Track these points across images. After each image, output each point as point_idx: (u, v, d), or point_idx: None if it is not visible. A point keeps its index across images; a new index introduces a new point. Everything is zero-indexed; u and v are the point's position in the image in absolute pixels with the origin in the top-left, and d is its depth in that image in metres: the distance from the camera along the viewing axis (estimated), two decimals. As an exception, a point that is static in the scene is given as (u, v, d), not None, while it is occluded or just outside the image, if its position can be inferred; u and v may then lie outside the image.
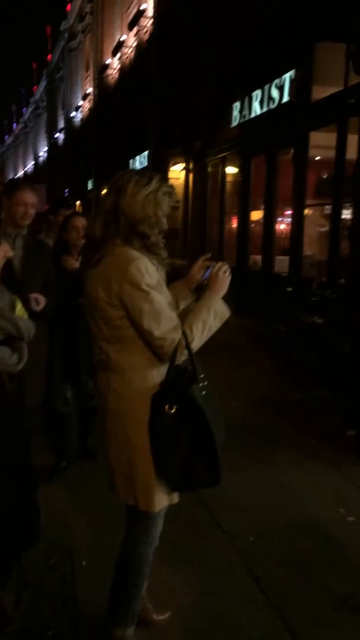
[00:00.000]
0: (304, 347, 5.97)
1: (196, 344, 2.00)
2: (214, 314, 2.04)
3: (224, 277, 2.13)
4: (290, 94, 8.22)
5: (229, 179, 11.74)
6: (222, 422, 2.07)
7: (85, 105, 25.68)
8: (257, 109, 9.36)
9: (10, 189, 3.03)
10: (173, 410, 1.94)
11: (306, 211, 8.59)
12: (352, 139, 6.97)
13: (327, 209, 8.18)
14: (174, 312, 2.03)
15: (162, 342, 1.94)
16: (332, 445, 4.44)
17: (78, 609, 2.51)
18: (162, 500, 2.08)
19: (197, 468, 2.00)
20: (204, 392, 1.99)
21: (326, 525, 3.29)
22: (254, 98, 9.41)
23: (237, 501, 3.49)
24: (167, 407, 1.94)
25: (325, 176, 8.75)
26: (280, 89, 8.48)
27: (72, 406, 3.77)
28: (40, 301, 2.89)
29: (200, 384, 1.99)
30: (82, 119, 26.73)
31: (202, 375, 2.01)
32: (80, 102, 26.64)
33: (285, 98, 8.35)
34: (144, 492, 2.05)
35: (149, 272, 1.94)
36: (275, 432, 4.71)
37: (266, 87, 8.91)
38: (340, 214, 7.48)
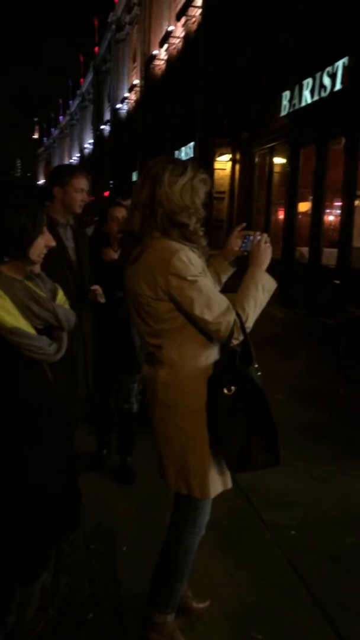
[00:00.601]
0: (352, 341, 5.83)
1: (250, 322, 1.99)
2: (262, 289, 2.01)
3: (265, 248, 2.09)
4: (342, 82, 7.99)
5: (276, 169, 11.55)
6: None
7: (132, 97, 25.77)
8: (307, 98, 9.15)
9: (66, 175, 2.91)
10: (232, 392, 1.93)
11: (356, 202, 8.36)
12: None
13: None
14: (221, 294, 2.01)
15: (218, 326, 1.93)
16: (379, 441, 4.32)
17: (118, 593, 2.52)
18: (217, 485, 2.07)
19: (257, 448, 1.99)
20: (259, 373, 1.99)
21: (371, 522, 3.20)
22: (304, 86, 9.19)
23: (280, 494, 3.44)
24: (225, 388, 1.93)
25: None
26: (333, 76, 8.25)
27: (111, 400, 3.70)
28: (101, 293, 2.90)
29: (256, 365, 1.99)
30: (128, 111, 26.85)
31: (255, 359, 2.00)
32: (127, 94, 26.75)
33: (338, 86, 8.12)
34: (198, 478, 2.04)
35: (192, 261, 1.92)
36: (321, 426, 4.62)
37: (318, 75, 8.69)
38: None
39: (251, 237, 2.16)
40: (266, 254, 2.10)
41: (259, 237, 2.14)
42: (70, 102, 51.05)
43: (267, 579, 2.66)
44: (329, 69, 8.32)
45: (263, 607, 2.47)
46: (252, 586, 2.61)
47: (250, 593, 2.56)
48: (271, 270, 2.10)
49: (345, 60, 7.87)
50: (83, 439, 3.58)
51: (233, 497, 3.26)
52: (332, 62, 8.18)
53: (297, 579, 2.67)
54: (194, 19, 15.50)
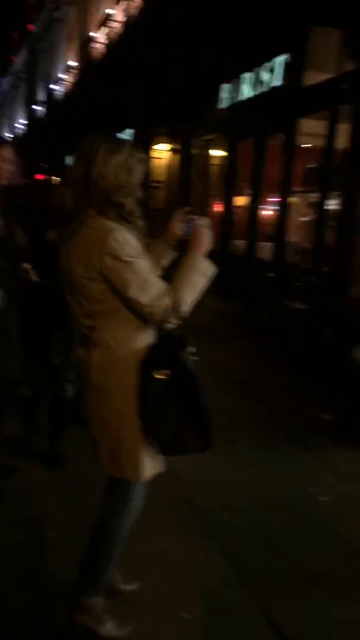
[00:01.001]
0: (286, 333, 5.97)
1: (187, 307, 1.95)
2: (200, 274, 1.99)
3: (205, 233, 2.07)
4: (281, 78, 8.13)
5: (214, 162, 11.62)
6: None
7: (68, 78, 25.14)
8: (246, 92, 9.25)
9: None
10: (163, 375, 1.91)
11: (292, 199, 8.54)
12: (342, 128, 6.93)
13: (313, 197, 8.15)
14: (159, 277, 1.97)
15: (152, 309, 1.89)
16: (308, 429, 4.44)
17: (45, 578, 2.46)
18: (149, 469, 2.05)
19: (188, 433, 1.97)
20: (194, 358, 1.96)
21: (299, 504, 3.29)
22: (244, 80, 9.28)
23: (211, 479, 3.47)
24: (157, 371, 1.91)
25: (313, 165, 8.71)
26: (272, 72, 8.37)
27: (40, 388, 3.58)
28: (33, 272, 2.78)
29: (190, 350, 1.96)
30: (64, 93, 26.19)
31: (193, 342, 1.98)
32: (63, 75, 26.05)
33: (276, 82, 8.25)
34: (130, 462, 2.01)
35: (128, 242, 1.87)
36: (253, 414, 4.70)
37: (257, 70, 8.79)
38: (326, 203, 7.45)
39: (193, 222, 2.14)
40: (206, 239, 2.07)
41: (200, 222, 2.11)
42: (1, 79, 48.88)
43: (197, 561, 2.68)
44: (268, 64, 8.43)
45: (192, 588, 2.48)
46: (181, 568, 2.61)
47: (179, 575, 2.56)
48: (209, 258, 2.08)
49: (284, 56, 8.00)
50: (11, 424, 3.46)
51: (165, 481, 3.26)
52: (271, 58, 8.29)
53: (227, 560, 2.70)
54: (135, 4, 15.28)
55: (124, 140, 2.02)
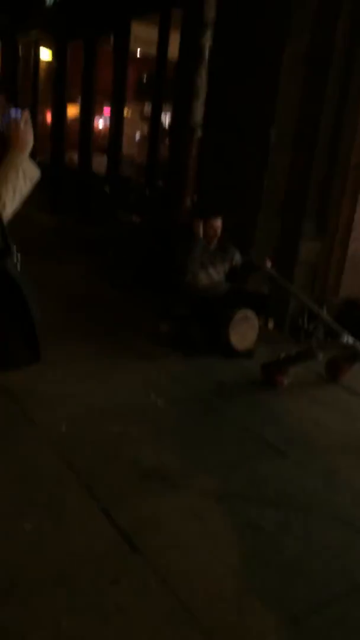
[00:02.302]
0: (120, 246, 5.94)
1: (8, 212, 1.79)
2: (23, 175, 1.82)
3: (26, 129, 1.88)
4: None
5: (43, 65, 10.73)
6: (36, 302, 1.93)
7: None
8: (74, -14, 8.50)
9: None
10: None
11: (125, 111, 8.26)
12: (174, 37, 6.71)
13: (147, 109, 7.95)
14: None
15: None
16: (145, 340, 4.56)
17: None
18: None
19: (14, 344, 1.86)
20: (18, 268, 1.82)
21: (137, 410, 3.41)
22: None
23: (49, 394, 3.43)
24: None
25: (146, 75, 8.43)
26: (101, -35, 7.75)
27: None
28: None
29: (15, 259, 1.82)
30: None
31: (16, 251, 1.82)
32: None
33: (106, -23, 7.68)
34: None
35: None
36: (90, 328, 4.68)
37: None
38: (159, 115, 7.32)
39: (12, 115, 1.92)
40: (28, 136, 1.88)
41: (19, 115, 1.90)
42: None
43: (38, 475, 2.68)
44: None
45: (33, 499, 2.49)
46: (22, 482, 2.59)
47: (20, 488, 2.54)
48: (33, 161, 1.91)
49: None
50: None
51: (0, 398, 3.18)
52: None
53: (67, 470, 2.74)
54: None
55: None
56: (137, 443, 3.04)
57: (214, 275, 4.56)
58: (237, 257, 4.67)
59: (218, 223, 4.52)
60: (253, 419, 3.45)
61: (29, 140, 1.88)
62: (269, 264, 4.38)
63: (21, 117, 1.89)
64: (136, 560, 2.21)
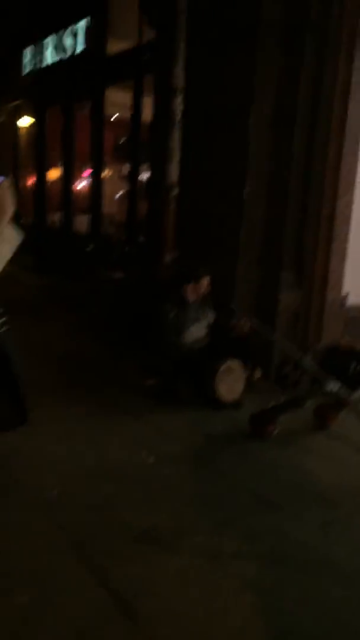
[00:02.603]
0: (105, 302, 6.01)
1: None
2: (4, 241, 1.88)
3: (6, 197, 1.95)
4: (84, 43, 7.96)
5: (23, 131, 11.09)
6: (22, 363, 1.96)
7: None
8: (50, 57, 8.91)
9: None
10: None
11: (105, 171, 8.52)
12: (147, 101, 7.02)
13: (125, 169, 8.21)
14: None
15: None
16: (132, 396, 4.57)
17: None
18: None
19: (1, 408, 1.88)
20: (3, 329, 1.87)
21: (128, 469, 3.39)
22: (47, 45, 8.92)
23: (37, 457, 3.40)
24: None
25: (123, 137, 8.75)
26: (75, 37, 8.16)
27: None
28: None
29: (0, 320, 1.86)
30: None
31: (1, 310, 1.87)
32: None
33: (80, 47, 8.07)
34: None
35: None
36: (76, 386, 4.68)
37: (60, 34, 8.50)
38: (137, 175, 7.57)
39: None
40: (8, 203, 1.96)
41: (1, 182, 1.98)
42: None
43: (29, 542, 2.63)
44: (70, 28, 8.20)
45: (26, 567, 2.44)
46: (13, 550, 2.54)
47: (11, 557, 2.49)
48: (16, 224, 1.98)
49: (85, 20, 7.84)
50: None
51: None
52: (74, 22, 8.07)
53: (59, 535, 2.69)
54: None
55: None
56: (129, 503, 3.00)
57: (197, 332, 4.61)
58: (210, 317, 4.73)
59: (206, 282, 4.60)
60: (245, 472, 3.44)
61: (9, 207, 1.95)
62: (247, 325, 4.43)
63: (2, 184, 1.97)
64: (131, 629, 2.16)
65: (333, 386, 3.84)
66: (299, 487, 3.30)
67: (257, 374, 5.09)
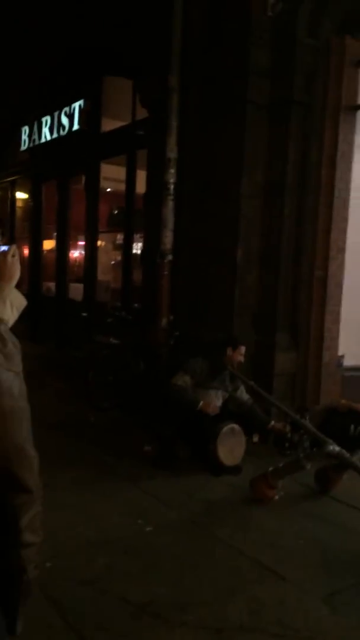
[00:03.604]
0: (100, 369, 5.97)
1: None
2: (10, 305, 1.87)
3: (13, 262, 1.97)
4: (79, 123, 8.35)
5: (19, 204, 11.42)
6: None
7: None
8: (47, 135, 9.31)
9: None
10: None
11: (99, 241, 8.72)
12: (140, 173, 7.31)
13: (119, 238, 8.41)
14: None
15: None
16: (129, 462, 4.46)
17: None
18: None
19: None
20: None
21: (125, 538, 3.25)
22: (43, 124, 9.35)
23: (31, 527, 3.25)
24: None
25: (116, 208, 9.01)
26: (70, 117, 8.56)
27: None
28: None
29: None
30: None
31: None
32: None
33: (75, 126, 8.46)
34: None
35: None
36: (72, 454, 4.56)
37: (56, 114, 8.93)
38: (131, 243, 7.75)
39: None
40: (14, 268, 1.97)
41: (5, 249, 2.01)
42: None
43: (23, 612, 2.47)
44: (66, 109, 8.63)
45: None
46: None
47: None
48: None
49: (81, 102, 8.26)
50: None
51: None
52: (69, 103, 8.50)
53: (52, 609, 2.54)
54: None
55: None
56: (127, 576, 2.86)
57: (213, 397, 4.55)
58: (241, 390, 4.68)
59: (242, 350, 4.59)
60: (247, 541, 3.30)
61: (16, 273, 1.96)
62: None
63: (9, 251, 1.99)
64: None
65: (333, 448, 3.77)
66: (303, 555, 3.17)
67: (255, 437, 5.00)
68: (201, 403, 4.28)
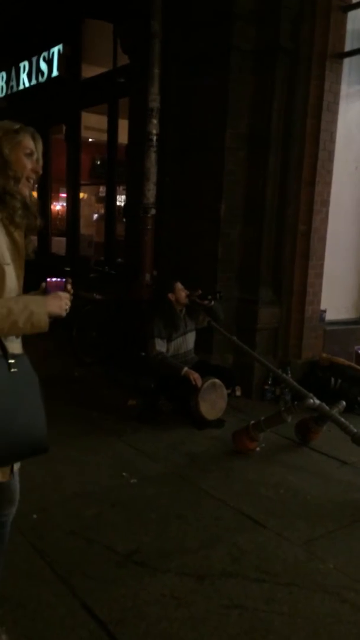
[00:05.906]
0: (84, 324, 5.96)
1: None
2: (28, 315, 1.81)
3: (62, 297, 1.91)
4: (59, 69, 8.02)
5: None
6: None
7: None
8: (25, 81, 8.95)
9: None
10: None
11: (82, 193, 8.54)
12: (123, 123, 7.09)
13: (102, 191, 8.24)
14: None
15: None
16: (114, 416, 4.52)
17: None
18: None
19: None
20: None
21: (110, 491, 3.33)
22: (21, 69, 8.97)
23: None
24: None
25: (99, 159, 8.79)
26: (49, 63, 8.21)
27: None
28: None
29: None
30: None
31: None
32: None
33: (55, 72, 8.13)
34: None
35: None
36: (57, 408, 4.57)
37: (34, 59, 8.56)
38: (114, 196, 7.60)
39: (58, 279, 1.98)
40: (60, 303, 1.91)
41: (63, 280, 1.97)
42: None
43: (11, 568, 2.54)
44: (45, 54, 8.27)
45: (10, 596, 2.36)
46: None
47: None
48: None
49: (60, 47, 7.91)
50: None
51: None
52: (48, 48, 8.14)
53: (40, 560, 2.63)
54: None
55: None
56: (113, 526, 2.95)
57: (182, 345, 4.57)
58: (203, 316, 4.66)
59: (179, 287, 4.55)
60: (229, 491, 3.40)
61: (59, 307, 1.89)
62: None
63: (65, 284, 1.93)
64: (118, 656, 2.10)
65: (313, 401, 3.85)
66: (283, 504, 3.28)
67: (238, 391, 5.09)
68: (185, 369, 4.29)
